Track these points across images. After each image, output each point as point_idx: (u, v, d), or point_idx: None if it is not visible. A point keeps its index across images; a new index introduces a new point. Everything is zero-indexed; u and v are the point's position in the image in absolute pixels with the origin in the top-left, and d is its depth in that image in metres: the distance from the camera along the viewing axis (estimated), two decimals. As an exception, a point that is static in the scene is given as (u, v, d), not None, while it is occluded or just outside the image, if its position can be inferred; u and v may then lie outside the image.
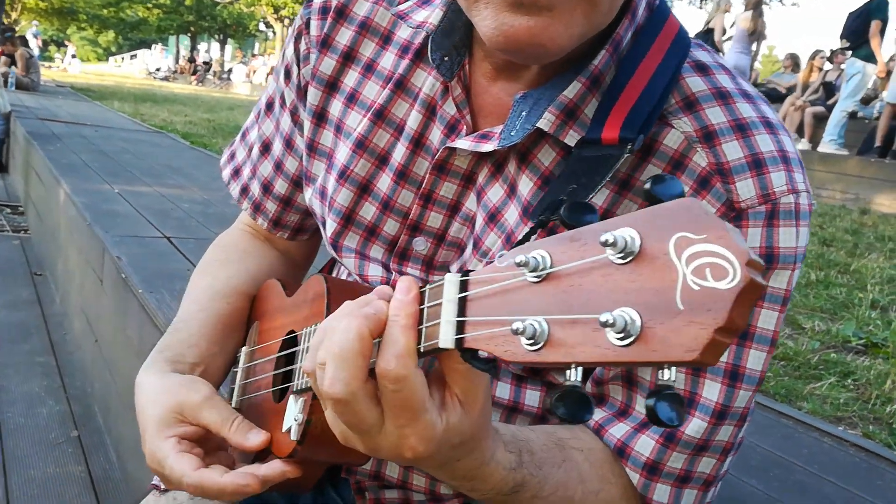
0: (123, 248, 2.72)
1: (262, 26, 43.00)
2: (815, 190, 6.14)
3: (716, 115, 0.69)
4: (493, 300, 0.45)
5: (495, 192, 0.76)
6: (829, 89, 10.49)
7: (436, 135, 0.79)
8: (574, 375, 0.40)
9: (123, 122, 9.19)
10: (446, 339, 0.47)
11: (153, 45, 47.40)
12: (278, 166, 0.96)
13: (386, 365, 0.50)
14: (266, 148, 0.97)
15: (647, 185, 0.38)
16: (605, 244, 0.37)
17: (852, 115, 9.64)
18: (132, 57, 50.37)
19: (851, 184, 7.95)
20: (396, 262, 0.83)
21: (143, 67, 41.69)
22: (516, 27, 0.61)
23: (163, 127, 9.15)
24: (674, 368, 0.36)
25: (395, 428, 0.53)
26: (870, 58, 9.02)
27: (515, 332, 0.40)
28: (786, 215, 0.67)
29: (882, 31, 8.80)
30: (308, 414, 0.68)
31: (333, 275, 0.99)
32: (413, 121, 0.81)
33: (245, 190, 1.01)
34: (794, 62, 12.03)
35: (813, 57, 11.07)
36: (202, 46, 46.50)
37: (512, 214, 0.75)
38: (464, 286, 0.47)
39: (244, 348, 0.91)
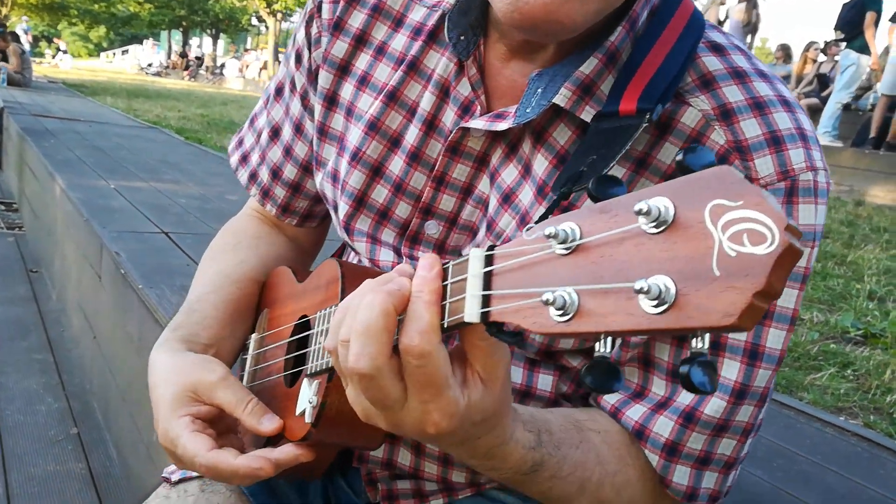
0: (122, 243, 2.71)
1: (254, 20, 42.80)
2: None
3: (733, 94, 0.69)
4: (519, 273, 0.44)
5: (509, 173, 0.76)
6: (823, 81, 10.52)
7: (449, 116, 0.79)
8: (603, 348, 0.40)
9: (117, 118, 9.14)
10: (472, 313, 0.47)
11: (144, 41, 47.12)
12: (287, 151, 0.96)
13: (410, 340, 0.50)
14: (275, 133, 0.97)
15: (680, 157, 0.38)
16: (639, 213, 0.37)
17: (846, 107, 9.66)
18: (123, 52, 50.12)
19: (846, 175, 7.97)
20: (408, 246, 0.83)
21: (134, 63, 41.47)
22: (532, 4, 0.61)
23: (157, 122, 9.10)
24: (707, 338, 0.36)
25: (418, 403, 0.53)
26: (864, 49, 9.03)
27: (546, 303, 0.40)
28: (805, 192, 0.68)
29: (876, 23, 8.81)
30: (323, 396, 0.67)
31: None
32: (426, 102, 0.80)
33: (254, 176, 1.01)
34: (785, 53, 12.02)
35: (807, 49, 11.09)
36: (194, 41, 46.27)
37: (527, 195, 0.74)
38: (489, 261, 0.47)
39: (253, 335, 0.91)
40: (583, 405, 0.79)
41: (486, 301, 0.47)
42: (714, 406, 0.70)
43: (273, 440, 0.74)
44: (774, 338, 0.69)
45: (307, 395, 0.69)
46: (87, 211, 3.22)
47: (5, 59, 13.28)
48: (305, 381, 0.71)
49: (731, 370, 0.70)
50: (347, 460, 0.89)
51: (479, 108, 0.77)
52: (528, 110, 0.72)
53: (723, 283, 0.34)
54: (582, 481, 0.68)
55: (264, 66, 29.30)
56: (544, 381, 0.79)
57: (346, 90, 0.86)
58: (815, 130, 0.71)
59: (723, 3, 11.35)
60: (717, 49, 0.72)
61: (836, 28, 9.51)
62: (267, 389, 0.81)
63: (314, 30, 0.87)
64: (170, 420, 0.74)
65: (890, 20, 8.78)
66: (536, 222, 0.45)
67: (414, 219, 0.82)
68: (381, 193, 0.83)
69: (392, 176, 0.82)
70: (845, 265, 4.36)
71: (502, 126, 0.73)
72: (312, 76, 0.88)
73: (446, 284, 0.51)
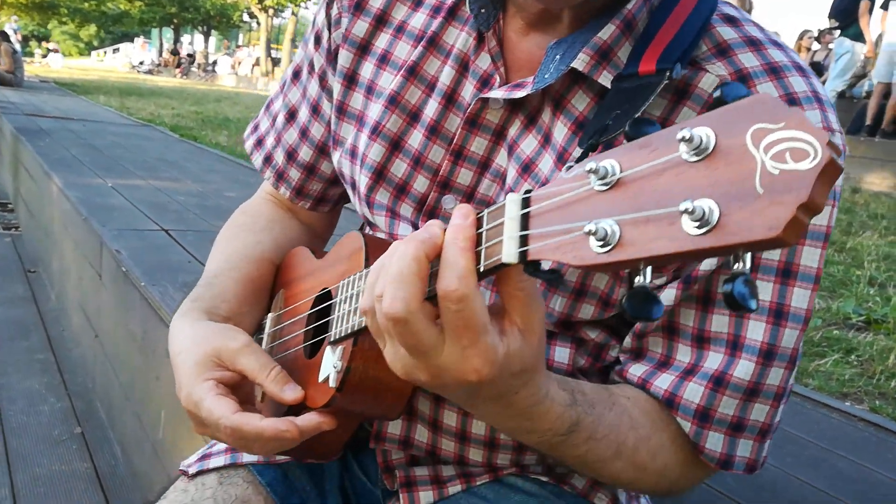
0: (122, 241, 2.69)
1: (245, 17, 42.61)
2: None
3: (749, 60, 0.71)
4: (557, 213, 0.45)
5: (528, 144, 0.77)
6: (818, 69, 10.52)
7: (468, 90, 0.80)
8: (642, 279, 0.40)
9: (111, 117, 9.10)
10: (510, 253, 0.47)
11: (135, 39, 46.90)
12: (304, 133, 0.97)
13: (447, 285, 0.51)
14: (291, 115, 0.98)
15: (718, 93, 0.39)
16: (682, 140, 0.38)
17: (841, 95, 9.67)
18: (115, 51, 49.87)
19: (842, 163, 7.97)
20: (425, 222, 0.83)
21: (126, 61, 41.30)
22: None
23: (151, 120, 9.07)
24: (749, 258, 0.36)
25: (458, 349, 0.53)
26: (858, 37, 9.03)
27: (588, 234, 0.41)
28: None
29: (870, 11, 8.82)
30: (348, 361, 0.68)
31: None
32: (446, 77, 0.82)
33: (268, 159, 1.02)
34: (779, 42, 12.02)
35: (801, 37, 11.10)
36: (185, 39, 46.07)
37: (546, 163, 0.75)
38: (525, 203, 0.48)
39: (269, 314, 0.91)
40: (599, 381, 0.79)
41: (524, 241, 0.47)
42: (743, 368, 0.70)
43: (294, 410, 0.74)
44: (799, 297, 0.70)
45: (331, 361, 0.70)
46: (85, 209, 3.20)
47: (-3, 59, 13.19)
48: (328, 349, 0.71)
49: (756, 331, 0.70)
50: (364, 444, 0.88)
51: (497, 79, 0.78)
52: (546, 76, 0.73)
53: (766, 200, 0.34)
54: (618, 444, 0.68)
55: (256, 63, 29.20)
56: (561, 354, 0.79)
57: (367, 69, 0.87)
58: (828, 95, 0.73)
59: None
60: (731, 20, 0.74)
61: (830, 16, 9.51)
62: (286, 363, 0.81)
63: (334, 11, 0.89)
64: (193, 384, 0.74)
65: (881, 7, 8.77)
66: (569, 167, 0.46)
67: (432, 193, 0.82)
68: (399, 167, 0.84)
69: (411, 150, 0.83)
70: (844, 252, 4.37)
71: (521, 94, 0.74)
72: (332, 56, 0.90)
73: (481, 232, 0.51)
